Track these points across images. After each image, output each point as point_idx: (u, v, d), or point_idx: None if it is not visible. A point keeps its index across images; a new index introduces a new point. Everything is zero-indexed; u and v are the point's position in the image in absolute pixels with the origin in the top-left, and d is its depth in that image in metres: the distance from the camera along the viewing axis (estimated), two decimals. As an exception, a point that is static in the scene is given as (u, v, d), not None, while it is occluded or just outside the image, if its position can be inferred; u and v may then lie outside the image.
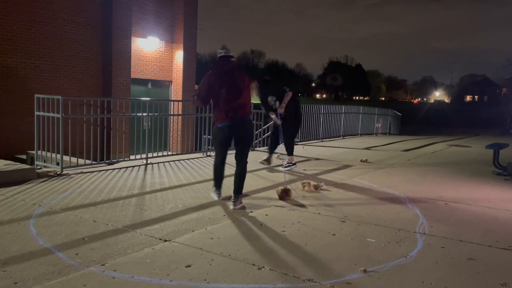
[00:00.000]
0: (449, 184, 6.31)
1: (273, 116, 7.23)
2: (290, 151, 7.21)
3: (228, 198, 4.78)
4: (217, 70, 4.78)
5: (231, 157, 4.96)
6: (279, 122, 7.13)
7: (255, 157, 8.09)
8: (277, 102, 7.12)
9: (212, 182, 5.07)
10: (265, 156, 7.57)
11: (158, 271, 2.90)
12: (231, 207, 4.58)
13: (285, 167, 7.03)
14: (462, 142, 13.89)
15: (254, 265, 3.06)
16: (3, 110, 10.05)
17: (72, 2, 11.27)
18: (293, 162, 7.15)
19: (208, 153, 8.77)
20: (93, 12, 11.78)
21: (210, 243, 3.47)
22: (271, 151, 7.56)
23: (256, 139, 10.46)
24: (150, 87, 13.60)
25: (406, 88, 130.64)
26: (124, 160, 7.46)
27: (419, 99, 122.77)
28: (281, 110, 7.06)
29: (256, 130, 10.30)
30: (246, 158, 4.81)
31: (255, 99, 6.73)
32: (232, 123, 4.66)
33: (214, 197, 4.96)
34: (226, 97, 4.63)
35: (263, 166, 7.29)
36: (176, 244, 3.45)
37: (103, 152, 8.01)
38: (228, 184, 5.09)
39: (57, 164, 6.40)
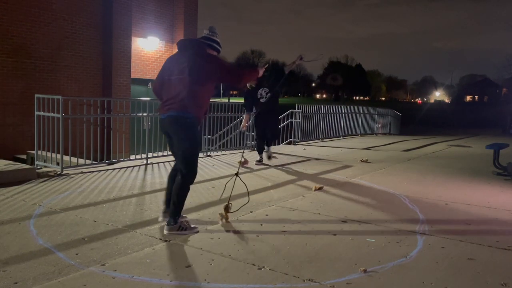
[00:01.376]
0: (449, 184, 6.30)
1: (244, 118, 7.54)
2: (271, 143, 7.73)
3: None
4: (177, 52, 3.92)
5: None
6: (244, 128, 7.71)
7: (256, 157, 8.09)
8: (268, 95, 7.20)
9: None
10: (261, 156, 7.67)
11: (158, 271, 2.90)
12: (160, 218, 3.96)
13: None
14: (462, 142, 13.89)
15: (254, 265, 3.06)
16: (3, 110, 10.05)
17: (72, 2, 11.28)
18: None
19: (208, 153, 8.77)
20: (93, 12, 11.78)
21: (210, 243, 3.47)
22: (260, 151, 7.68)
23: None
24: (150, 87, 13.60)
25: (406, 88, 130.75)
26: (124, 160, 7.46)
27: (419, 99, 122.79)
28: (244, 126, 7.62)
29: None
30: (185, 166, 3.68)
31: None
32: (161, 118, 3.81)
33: (159, 217, 3.99)
34: (167, 84, 3.78)
35: (262, 166, 7.30)
36: (176, 244, 3.45)
37: (103, 152, 8.01)
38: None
39: (57, 164, 6.40)
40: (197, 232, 3.73)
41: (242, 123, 7.52)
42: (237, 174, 4.44)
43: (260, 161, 7.53)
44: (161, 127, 3.89)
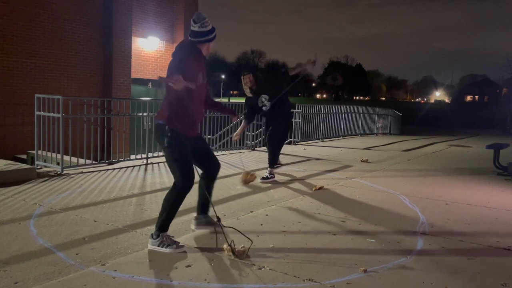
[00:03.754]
0: (449, 184, 6.30)
1: (241, 126, 6.36)
2: (271, 161, 6.20)
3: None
4: None
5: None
6: (237, 138, 6.30)
7: (256, 157, 8.09)
8: (268, 103, 6.14)
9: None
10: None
11: (158, 271, 2.91)
12: (192, 226, 3.79)
13: (263, 178, 6.02)
14: (462, 142, 13.89)
15: (254, 265, 3.06)
16: (3, 110, 10.05)
17: (73, 2, 11.27)
18: (273, 175, 6.12)
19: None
20: (94, 12, 11.78)
21: (210, 243, 3.47)
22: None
23: (257, 138, 10.44)
24: (150, 87, 13.60)
25: (407, 88, 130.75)
26: (124, 160, 7.46)
27: (420, 98, 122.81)
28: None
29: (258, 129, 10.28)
30: (175, 179, 3.36)
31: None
32: None
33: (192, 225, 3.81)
34: None
35: (262, 166, 7.25)
36: (176, 244, 3.44)
37: (103, 152, 8.01)
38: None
39: (58, 164, 6.41)
40: (184, 252, 3.26)
41: (237, 131, 6.30)
42: (218, 219, 3.58)
43: (266, 178, 6.03)
44: None
